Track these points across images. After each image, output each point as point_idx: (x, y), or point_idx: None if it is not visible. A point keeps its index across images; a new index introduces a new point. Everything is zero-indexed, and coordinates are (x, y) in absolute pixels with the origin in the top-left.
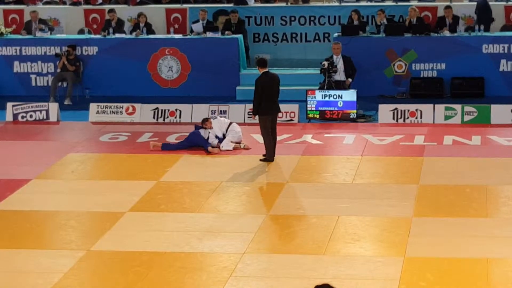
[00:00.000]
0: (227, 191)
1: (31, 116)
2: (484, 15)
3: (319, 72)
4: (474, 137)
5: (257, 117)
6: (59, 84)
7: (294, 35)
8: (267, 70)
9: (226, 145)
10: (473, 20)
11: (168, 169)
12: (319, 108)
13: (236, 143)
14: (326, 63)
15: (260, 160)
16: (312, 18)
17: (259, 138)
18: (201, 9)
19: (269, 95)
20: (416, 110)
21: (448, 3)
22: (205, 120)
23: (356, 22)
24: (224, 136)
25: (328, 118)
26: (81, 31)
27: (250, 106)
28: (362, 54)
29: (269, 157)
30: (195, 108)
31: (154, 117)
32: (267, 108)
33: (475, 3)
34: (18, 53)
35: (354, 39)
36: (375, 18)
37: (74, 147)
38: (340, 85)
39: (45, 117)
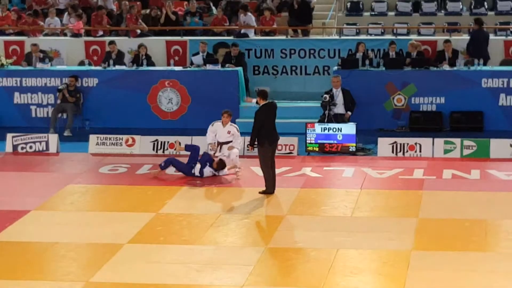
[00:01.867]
0: (226, 224)
1: (30, 147)
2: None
3: (318, 105)
4: (473, 171)
5: (255, 149)
6: (59, 115)
7: (294, 68)
8: (267, 102)
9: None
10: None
11: (168, 201)
12: (319, 141)
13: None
14: (327, 96)
15: (260, 192)
16: (312, 51)
17: (258, 171)
18: (201, 41)
19: (269, 125)
20: (416, 143)
21: (447, 37)
22: (224, 112)
23: (359, 54)
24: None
25: (328, 151)
26: (81, 63)
27: (249, 138)
28: (362, 87)
29: (268, 190)
30: (195, 140)
31: (153, 149)
32: (268, 138)
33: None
34: (18, 84)
35: (353, 72)
36: (374, 51)
37: (74, 178)
38: (339, 118)
39: (44, 149)
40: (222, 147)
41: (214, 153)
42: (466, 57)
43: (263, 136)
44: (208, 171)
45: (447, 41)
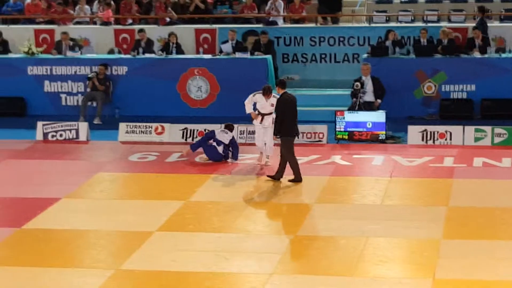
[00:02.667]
0: (256, 212)
1: (61, 135)
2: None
3: (348, 93)
4: (505, 159)
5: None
6: (89, 103)
7: (323, 56)
8: (285, 91)
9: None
10: (503, 41)
11: (197, 189)
12: (348, 129)
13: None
14: (359, 84)
15: (289, 180)
16: (341, 39)
17: None
18: (230, 29)
19: (292, 116)
20: (446, 131)
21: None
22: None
23: (389, 42)
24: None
25: (357, 139)
26: (111, 51)
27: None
28: (392, 75)
29: (296, 178)
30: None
31: (183, 137)
32: (291, 129)
33: (506, 24)
34: (48, 73)
35: (383, 60)
36: (405, 39)
37: (104, 166)
38: (369, 106)
39: (75, 137)
40: (264, 118)
41: (257, 119)
42: (501, 43)
43: (287, 127)
44: (224, 138)
45: (475, 27)
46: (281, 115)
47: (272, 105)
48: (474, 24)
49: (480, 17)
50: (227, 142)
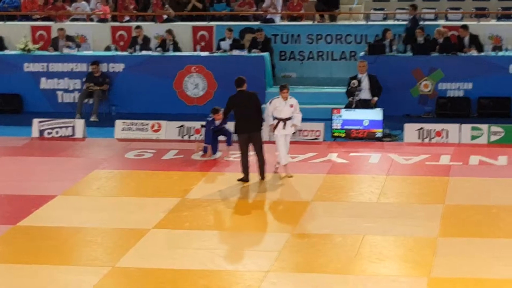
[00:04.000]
0: (252, 209)
1: (57, 132)
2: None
3: (345, 90)
4: (501, 157)
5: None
6: (86, 100)
7: (320, 54)
8: (242, 89)
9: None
10: (500, 39)
11: (193, 186)
12: (345, 127)
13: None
14: (356, 82)
15: (238, 180)
16: (338, 37)
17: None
18: (227, 28)
19: (244, 113)
20: (442, 129)
21: (473, 23)
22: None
23: (387, 41)
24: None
25: (354, 137)
26: (107, 48)
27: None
28: (388, 73)
29: (244, 177)
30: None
31: (179, 135)
32: (241, 127)
33: (503, 23)
34: (45, 70)
35: (380, 58)
36: (402, 37)
37: (100, 163)
38: (366, 104)
39: (71, 134)
40: (286, 124)
41: (274, 130)
42: (497, 41)
43: (238, 123)
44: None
45: (463, 26)
46: (226, 112)
47: (292, 106)
48: (472, 22)
49: (413, 15)
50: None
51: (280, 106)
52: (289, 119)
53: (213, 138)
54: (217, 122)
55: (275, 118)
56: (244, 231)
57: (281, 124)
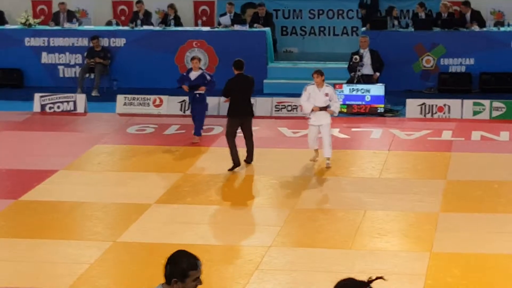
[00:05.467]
0: (254, 184)
1: (58, 107)
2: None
3: (346, 66)
4: (503, 133)
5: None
6: (87, 75)
7: (322, 29)
8: (241, 72)
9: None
10: (502, 15)
11: (195, 161)
12: (347, 102)
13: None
14: (358, 57)
15: (229, 170)
16: (340, 12)
17: (285, 131)
18: (228, 2)
19: (239, 97)
20: (444, 105)
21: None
22: (316, 72)
23: (392, 17)
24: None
25: (356, 112)
26: (109, 23)
27: (277, 99)
28: (390, 48)
29: (235, 164)
30: (222, 100)
31: (181, 109)
32: (235, 111)
33: None
34: (46, 44)
35: (382, 33)
36: (404, 12)
37: (101, 138)
38: (367, 79)
39: (72, 108)
40: (320, 113)
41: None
42: (499, 17)
43: (231, 107)
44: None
45: (465, 3)
46: (226, 95)
47: (327, 94)
48: None
49: None
50: (192, 77)
51: (314, 94)
52: (324, 108)
53: (194, 106)
54: (194, 75)
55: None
56: (245, 206)
57: (316, 113)
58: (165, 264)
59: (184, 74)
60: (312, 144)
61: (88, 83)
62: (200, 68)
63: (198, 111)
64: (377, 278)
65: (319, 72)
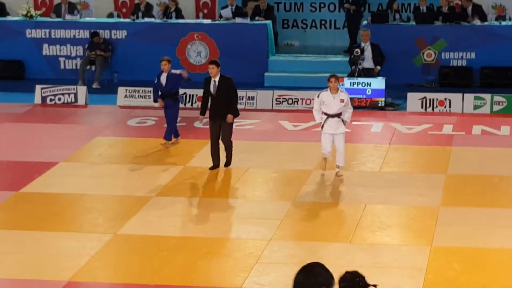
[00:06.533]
0: (254, 178)
1: (59, 99)
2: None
3: (347, 59)
4: (503, 127)
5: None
6: (88, 67)
7: (323, 22)
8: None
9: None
10: (504, 9)
11: (195, 154)
12: None
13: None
14: (359, 50)
15: (209, 168)
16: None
17: (286, 124)
18: None
19: (215, 101)
20: (445, 99)
21: None
22: (332, 77)
23: (393, 10)
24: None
25: (356, 105)
26: (110, 15)
27: (278, 92)
28: (391, 42)
29: (214, 164)
30: None
31: (181, 102)
32: (211, 114)
33: None
34: (47, 36)
35: (383, 26)
36: (405, 6)
37: (102, 130)
38: (368, 73)
39: (73, 100)
40: (334, 121)
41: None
42: (501, 11)
43: (210, 113)
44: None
45: None
46: (203, 97)
47: (342, 101)
48: None
49: None
50: (163, 80)
51: (329, 101)
52: (339, 115)
53: (166, 111)
54: (163, 78)
55: (324, 114)
56: (246, 199)
57: (329, 121)
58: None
59: (156, 81)
60: (327, 153)
61: (89, 75)
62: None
63: (169, 115)
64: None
65: (336, 77)
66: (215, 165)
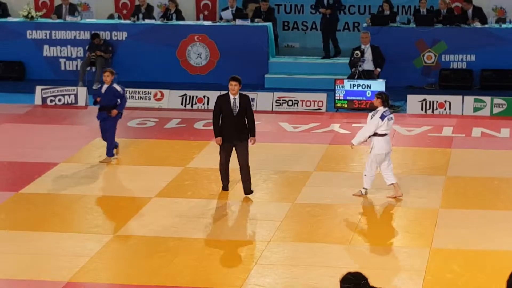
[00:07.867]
0: (254, 179)
1: (59, 100)
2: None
3: (348, 61)
4: (503, 130)
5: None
6: (88, 68)
7: None
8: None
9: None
10: (504, 11)
11: (196, 155)
12: (347, 98)
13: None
14: (359, 52)
15: (222, 189)
16: (341, 7)
17: (286, 126)
18: None
19: (234, 120)
20: (445, 101)
21: None
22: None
23: (387, 12)
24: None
25: (356, 107)
26: (110, 16)
27: (278, 94)
28: (392, 44)
29: (224, 184)
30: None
31: (182, 104)
32: (225, 135)
33: None
34: (48, 37)
35: (384, 29)
36: (405, 8)
37: None
38: (368, 75)
39: (73, 101)
40: (382, 140)
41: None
42: (501, 13)
43: (223, 134)
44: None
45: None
46: (213, 115)
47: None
48: None
49: None
50: (103, 91)
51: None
52: (384, 135)
53: (102, 127)
54: (104, 89)
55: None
56: (246, 200)
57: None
58: None
59: (98, 89)
60: (370, 183)
61: (89, 76)
62: (112, 82)
63: (106, 129)
64: None
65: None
66: (225, 185)
